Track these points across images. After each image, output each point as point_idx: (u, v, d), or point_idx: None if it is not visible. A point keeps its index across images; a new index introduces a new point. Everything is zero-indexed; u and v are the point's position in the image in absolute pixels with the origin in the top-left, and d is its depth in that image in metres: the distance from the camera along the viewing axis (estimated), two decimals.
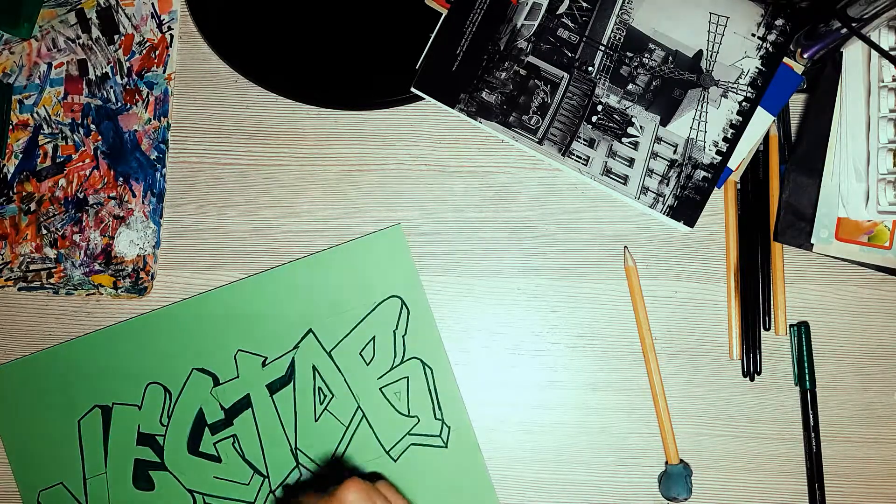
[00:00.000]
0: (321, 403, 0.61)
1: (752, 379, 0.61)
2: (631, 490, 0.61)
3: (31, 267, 0.63)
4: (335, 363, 0.61)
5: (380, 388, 0.61)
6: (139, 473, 0.61)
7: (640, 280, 0.62)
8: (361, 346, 0.61)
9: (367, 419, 0.61)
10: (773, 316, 0.61)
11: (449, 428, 0.61)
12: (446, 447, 0.61)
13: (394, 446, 0.61)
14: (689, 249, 0.62)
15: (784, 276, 0.61)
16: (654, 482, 0.61)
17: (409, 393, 0.61)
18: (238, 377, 0.62)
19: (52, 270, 0.63)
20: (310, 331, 0.61)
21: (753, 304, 0.61)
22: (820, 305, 0.62)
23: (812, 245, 0.60)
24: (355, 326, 0.61)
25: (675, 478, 0.60)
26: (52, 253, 0.63)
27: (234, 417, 0.61)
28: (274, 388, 0.61)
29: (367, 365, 0.61)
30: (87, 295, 0.63)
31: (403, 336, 0.61)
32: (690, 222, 0.61)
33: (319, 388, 0.61)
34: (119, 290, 0.62)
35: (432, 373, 0.61)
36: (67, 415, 0.62)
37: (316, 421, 0.61)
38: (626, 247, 0.62)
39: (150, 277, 0.63)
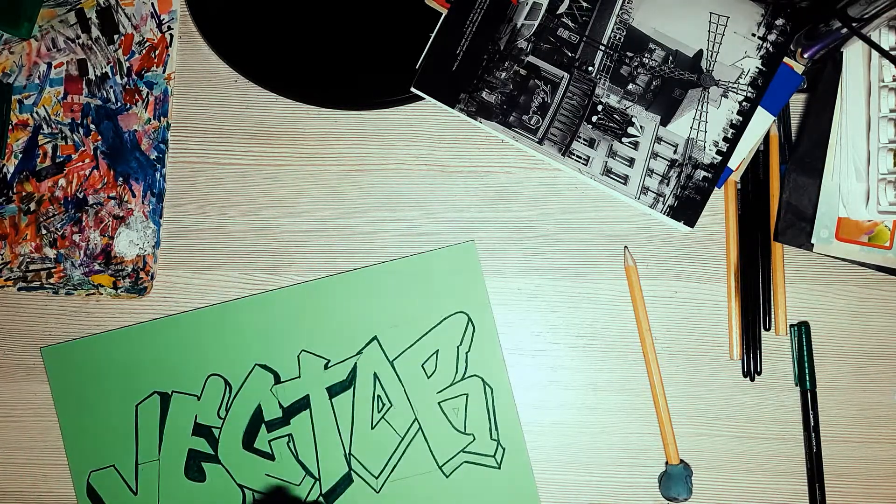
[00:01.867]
0: (379, 412, 0.61)
1: (752, 379, 0.61)
2: (631, 490, 0.62)
3: (31, 267, 0.63)
4: (396, 373, 0.61)
5: (438, 403, 0.61)
6: (192, 464, 0.61)
7: (640, 280, 0.62)
8: (424, 359, 0.61)
9: (423, 432, 0.61)
10: (773, 316, 0.61)
11: (504, 449, 0.61)
12: (499, 468, 0.61)
13: (447, 462, 0.61)
14: (689, 249, 0.62)
15: (784, 276, 0.61)
16: (654, 482, 0.61)
17: (467, 410, 0.61)
18: (299, 377, 0.61)
19: (52, 270, 0.63)
20: (374, 338, 0.61)
21: (753, 304, 0.61)
22: (820, 305, 0.62)
23: (812, 245, 0.60)
24: (420, 338, 0.61)
25: (675, 478, 0.60)
26: (51, 253, 0.63)
27: (292, 417, 0.61)
28: (333, 391, 0.61)
29: (428, 378, 0.61)
30: (86, 295, 0.63)
31: (467, 353, 0.61)
32: (690, 222, 0.61)
33: (378, 396, 0.61)
34: (119, 290, 0.62)
35: (492, 392, 0.61)
36: (126, 398, 0.62)
37: (372, 428, 0.61)
38: (626, 247, 0.62)
39: (149, 277, 0.62)
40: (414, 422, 0.61)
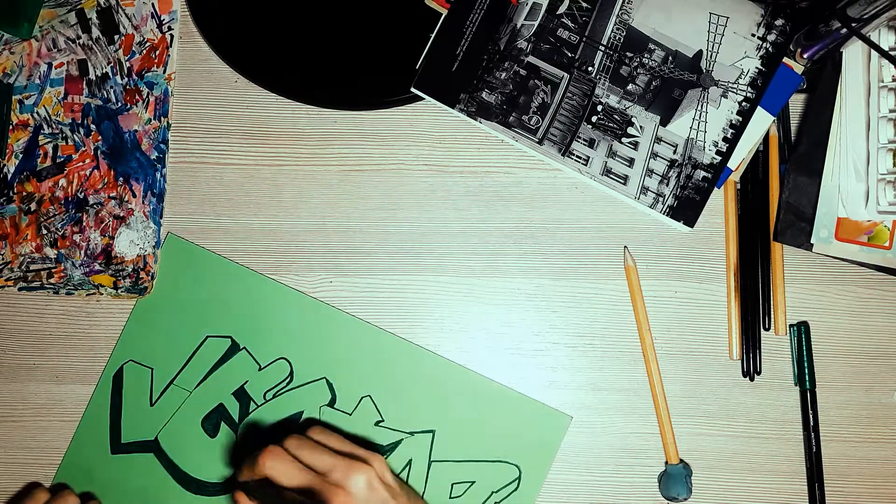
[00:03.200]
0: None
1: (752, 379, 0.61)
2: (631, 490, 0.62)
3: (32, 267, 0.63)
4: (427, 473, 0.61)
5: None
6: (213, 416, 0.61)
7: (639, 280, 0.62)
8: (458, 481, 0.61)
9: None
10: (773, 316, 0.61)
11: None
12: None
13: None
14: (689, 249, 0.62)
15: (784, 276, 0.61)
16: (654, 482, 0.61)
17: None
18: (350, 415, 0.61)
19: (53, 270, 0.63)
20: (432, 431, 0.61)
21: (753, 304, 0.61)
22: (820, 305, 0.62)
23: (812, 245, 0.60)
24: (468, 461, 0.61)
25: (675, 478, 0.60)
26: (52, 253, 0.63)
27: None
28: (371, 447, 0.61)
29: (450, 498, 0.61)
30: (87, 295, 0.63)
31: (497, 502, 0.60)
32: (690, 222, 0.61)
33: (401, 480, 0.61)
34: (119, 290, 0.62)
35: None
36: (207, 323, 0.62)
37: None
38: (626, 247, 0.62)
39: (150, 277, 0.63)
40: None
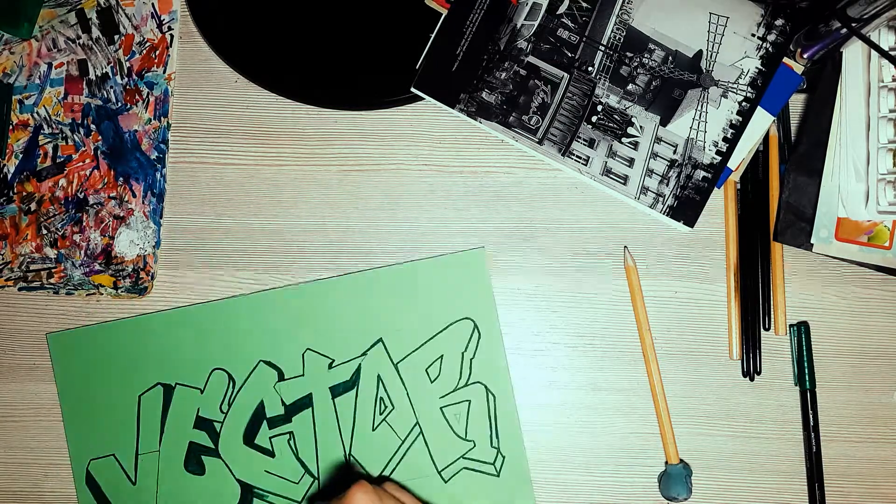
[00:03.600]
0: (381, 413, 0.61)
1: (752, 379, 0.61)
2: (631, 490, 0.62)
3: (32, 267, 0.63)
4: (400, 376, 0.61)
5: (440, 408, 0.61)
6: (192, 457, 0.61)
7: (639, 280, 0.62)
8: (428, 363, 0.61)
9: (423, 436, 0.61)
10: (773, 316, 0.61)
11: (504, 458, 0.61)
12: (498, 476, 0.61)
13: (446, 467, 0.61)
14: (689, 249, 0.62)
15: (784, 276, 0.61)
16: (654, 482, 0.61)
17: (468, 416, 0.61)
18: (303, 375, 0.62)
19: (53, 270, 0.63)
20: (380, 340, 0.61)
21: (753, 304, 0.61)
22: (820, 305, 0.62)
23: (812, 245, 0.60)
24: (425, 342, 0.61)
25: (675, 478, 0.60)
26: (52, 253, 0.63)
27: (294, 415, 0.61)
28: (337, 391, 0.61)
29: (431, 382, 0.61)
30: (87, 295, 0.63)
31: (471, 359, 0.61)
32: (690, 222, 0.61)
33: (381, 399, 0.61)
34: (119, 290, 0.62)
35: (495, 400, 0.61)
36: (129, 388, 0.62)
37: (373, 430, 0.61)
38: (626, 247, 0.62)
39: (150, 277, 0.63)
40: (415, 425, 0.61)
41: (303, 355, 0.62)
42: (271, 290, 0.62)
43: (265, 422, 0.61)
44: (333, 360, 0.61)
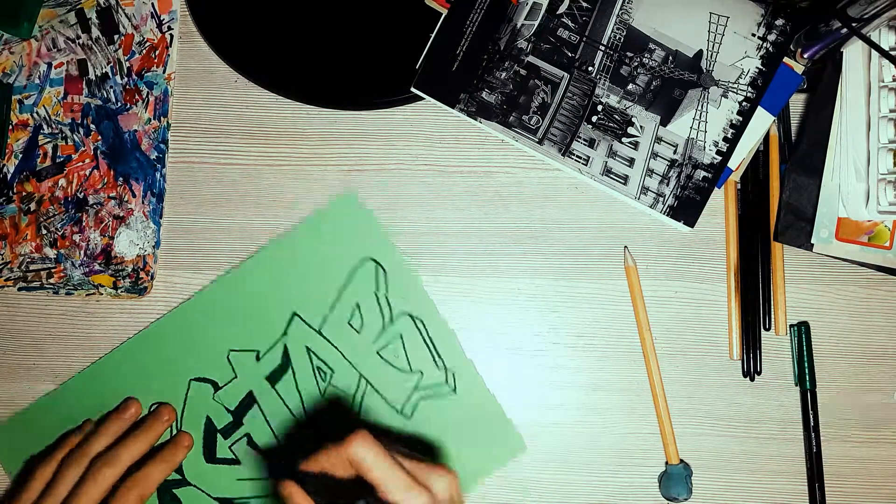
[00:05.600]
0: (323, 381, 0.61)
1: (752, 379, 0.61)
2: (631, 490, 0.61)
3: (31, 267, 0.63)
4: (327, 339, 0.61)
5: (377, 352, 0.61)
6: (164, 495, 0.61)
7: (640, 280, 0.62)
8: (348, 317, 0.61)
9: (371, 385, 0.61)
10: (773, 316, 0.61)
11: (453, 373, 0.61)
12: (455, 392, 0.61)
13: (404, 405, 0.61)
14: (689, 249, 0.62)
15: (784, 276, 0.61)
16: (654, 482, 0.61)
17: (406, 350, 0.61)
18: (236, 377, 0.62)
19: (52, 270, 0.63)
20: (294, 314, 0.61)
21: (753, 304, 0.61)
22: (820, 305, 0.62)
23: (812, 245, 0.60)
24: (337, 299, 0.61)
25: (675, 478, 0.60)
26: (51, 253, 0.63)
27: (242, 417, 0.61)
28: (274, 378, 0.61)
29: (359, 333, 0.61)
30: (87, 295, 0.63)
31: (386, 296, 0.61)
32: (690, 222, 0.61)
33: (318, 368, 0.61)
34: (119, 290, 0.62)
35: (423, 324, 0.61)
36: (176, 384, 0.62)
37: (324, 397, 0.61)
38: (626, 247, 0.62)
39: (150, 277, 0.63)
40: (360, 379, 0.61)
41: (228, 358, 0.62)
42: (172, 311, 0.62)
43: (218, 434, 0.61)
44: (259, 351, 0.62)
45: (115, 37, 0.64)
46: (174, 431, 0.62)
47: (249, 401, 0.61)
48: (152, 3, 0.64)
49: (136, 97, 0.64)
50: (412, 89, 0.61)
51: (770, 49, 0.60)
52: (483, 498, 0.62)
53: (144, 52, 0.64)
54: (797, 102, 0.63)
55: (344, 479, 0.50)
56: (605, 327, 0.62)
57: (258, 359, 0.62)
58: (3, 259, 0.63)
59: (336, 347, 0.61)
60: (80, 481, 0.55)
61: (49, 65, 0.64)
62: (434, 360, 0.61)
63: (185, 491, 0.61)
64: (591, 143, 0.61)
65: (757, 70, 0.60)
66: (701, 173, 0.60)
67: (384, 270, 0.61)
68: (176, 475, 0.61)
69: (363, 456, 0.47)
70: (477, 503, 0.62)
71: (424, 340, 0.61)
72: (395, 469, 0.49)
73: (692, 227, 0.61)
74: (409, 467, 0.50)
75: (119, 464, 0.56)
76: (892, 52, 0.57)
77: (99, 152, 0.63)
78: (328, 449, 0.50)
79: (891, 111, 0.57)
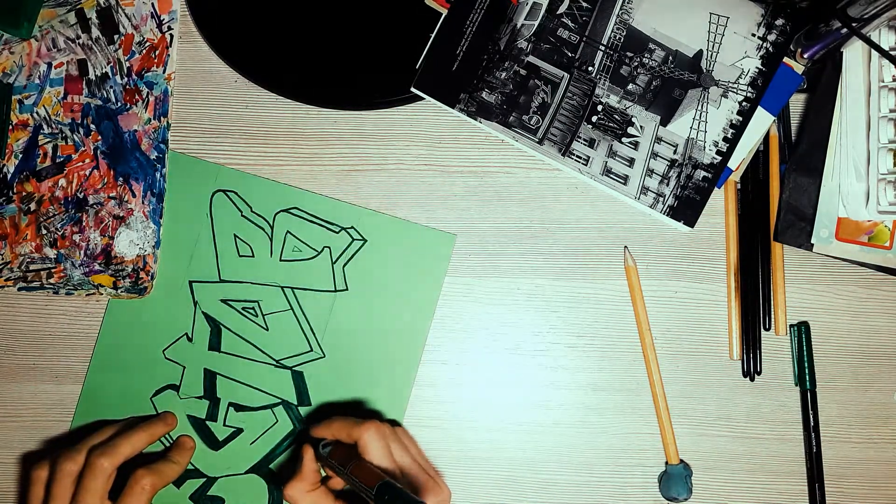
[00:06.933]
0: (257, 316, 0.62)
1: (752, 379, 0.61)
2: (631, 490, 0.62)
3: (31, 267, 0.63)
4: (232, 282, 0.62)
5: (280, 260, 0.62)
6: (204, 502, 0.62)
7: (640, 280, 0.62)
8: (236, 251, 0.62)
9: (296, 289, 0.62)
10: (773, 316, 0.61)
11: (355, 227, 0.62)
12: (368, 240, 0.62)
13: (335, 280, 0.62)
14: (689, 249, 0.62)
15: (784, 276, 0.61)
16: (654, 482, 0.61)
17: (300, 238, 0.62)
18: (185, 367, 0.62)
19: (52, 270, 0.63)
20: (190, 283, 0.63)
21: (753, 304, 0.61)
22: (820, 305, 0.62)
23: (812, 245, 0.60)
24: (214, 245, 0.63)
25: (675, 478, 0.60)
26: (51, 253, 0.63)
27: (215, 393, 0.62)
28: (215, 344, 0.62)
29: (254, 256, 0.62)
30: (87, 295, 0.63)
31: (253, 212, 0.63)
32: (690, 222, 0.61)
33: (244, 309, 0.62)
34: (119, 290, 0.62)
35: (300, 209, 0.63)
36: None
37: (267, 330, 0.62)
38: (626, 247, 0.62)
39: (149, 277, 0.63)
40: (284, 290, 0.62)
41: (166, 356, 0.62)
42: (95, 348, 0.63)
43: (207, 422, 0.62)
44: (186, 333, 0.62)
45: (115, 37, 0.64)
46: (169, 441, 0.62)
47: (210, 377, 0.62)
48: (152, 3, 0.64)
49: (136, 97, 0.64)
50: (412, 89, 0.61)
51: (770, 49, 0.60)
52: (483, 498, 0.62)
53: (144, 52, 0.64)
54: (797, 102, 0.63)
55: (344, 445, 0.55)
56: (605, 327, 0.62)
57: (190, 339, 0.62)
58: (3, 259, 0.63)
59: (246, 282, 0.62)
60: (80, 476, 0.54)
61: (49, 65, 0.64)
62: (329, 228, 0.62)
63: (217, 487, 0.62)
64: (591, 143, 0.61)
65: (757, 70, 0.60)
66: (701, 173, 0.60)
67: (235, 193, 0.63)
68: (201, 479, 0.62)
69: (371, 445, 0.53)
70: (477, 503, 0.62)
71: (309, 220, 0.62)
72: (393, 467, 0.53)
73: (692, 227, 0.61)
74: (407, 475, 0.54)
75: (117, 453, 0.55)
76: (892, 52, 0.57)
77: (99, 152, 0.63)
78: (340, 421, 0.55)
79: (891, 111, 0.57)
